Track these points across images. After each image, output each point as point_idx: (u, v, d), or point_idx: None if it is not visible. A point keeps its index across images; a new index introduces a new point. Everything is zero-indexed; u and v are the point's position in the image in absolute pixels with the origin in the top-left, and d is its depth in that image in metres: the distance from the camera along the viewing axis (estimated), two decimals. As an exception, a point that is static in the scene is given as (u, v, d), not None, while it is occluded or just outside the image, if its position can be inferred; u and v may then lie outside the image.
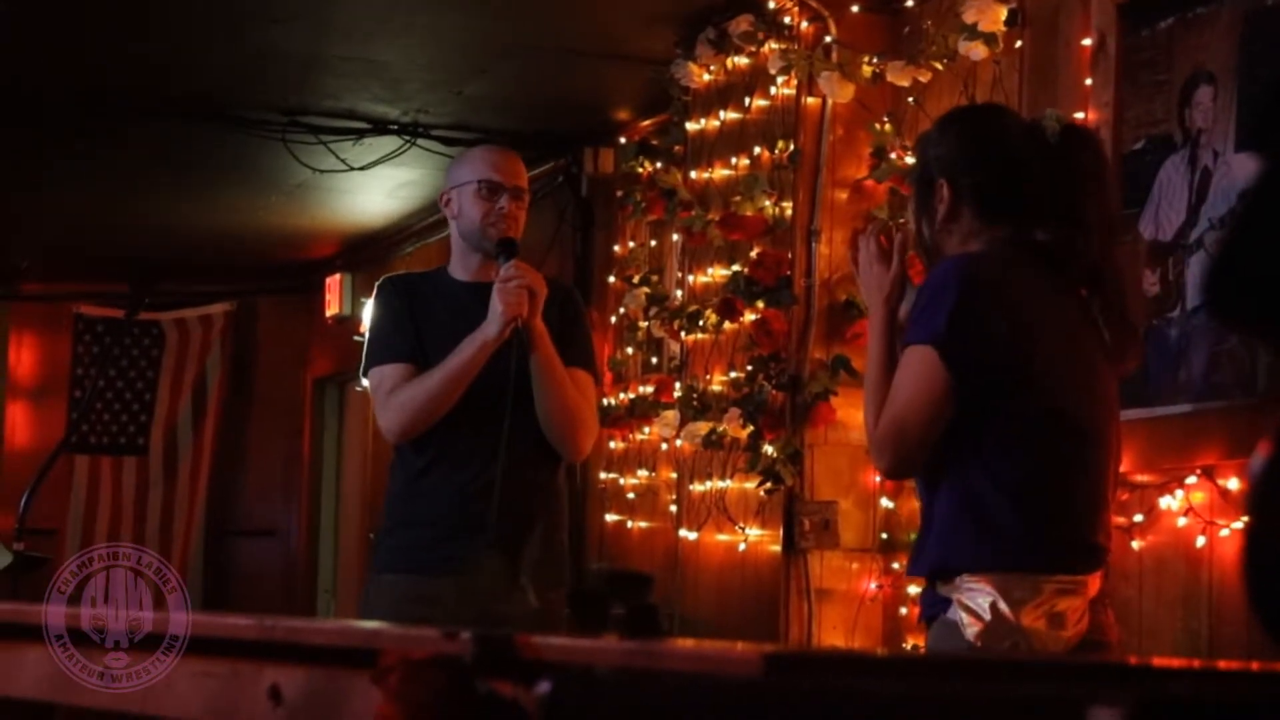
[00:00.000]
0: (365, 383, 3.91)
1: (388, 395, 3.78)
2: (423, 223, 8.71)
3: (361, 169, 7.43)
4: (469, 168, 3.91)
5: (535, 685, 1.53)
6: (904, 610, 5.06)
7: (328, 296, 9.73)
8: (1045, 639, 2.72)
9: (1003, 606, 2.72)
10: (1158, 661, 1.67)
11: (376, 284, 4.00)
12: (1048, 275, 2.93)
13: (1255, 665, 1.60)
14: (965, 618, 2.74)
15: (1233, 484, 3.85)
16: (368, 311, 9.00)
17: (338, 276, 9.64)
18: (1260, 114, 1.14)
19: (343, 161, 7.31)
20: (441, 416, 3.74)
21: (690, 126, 5.96)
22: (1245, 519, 1.07)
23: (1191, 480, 3.98)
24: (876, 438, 2.88)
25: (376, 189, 8.06)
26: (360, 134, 7.05)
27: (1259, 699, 1.22)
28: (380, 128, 7.08)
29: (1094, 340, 2.95)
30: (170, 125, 7.06)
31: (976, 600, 2.74)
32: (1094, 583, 2.83)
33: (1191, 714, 1.13)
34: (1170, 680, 1.48)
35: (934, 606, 2.84)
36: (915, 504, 4.98)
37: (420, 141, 7.18)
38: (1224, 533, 3.89)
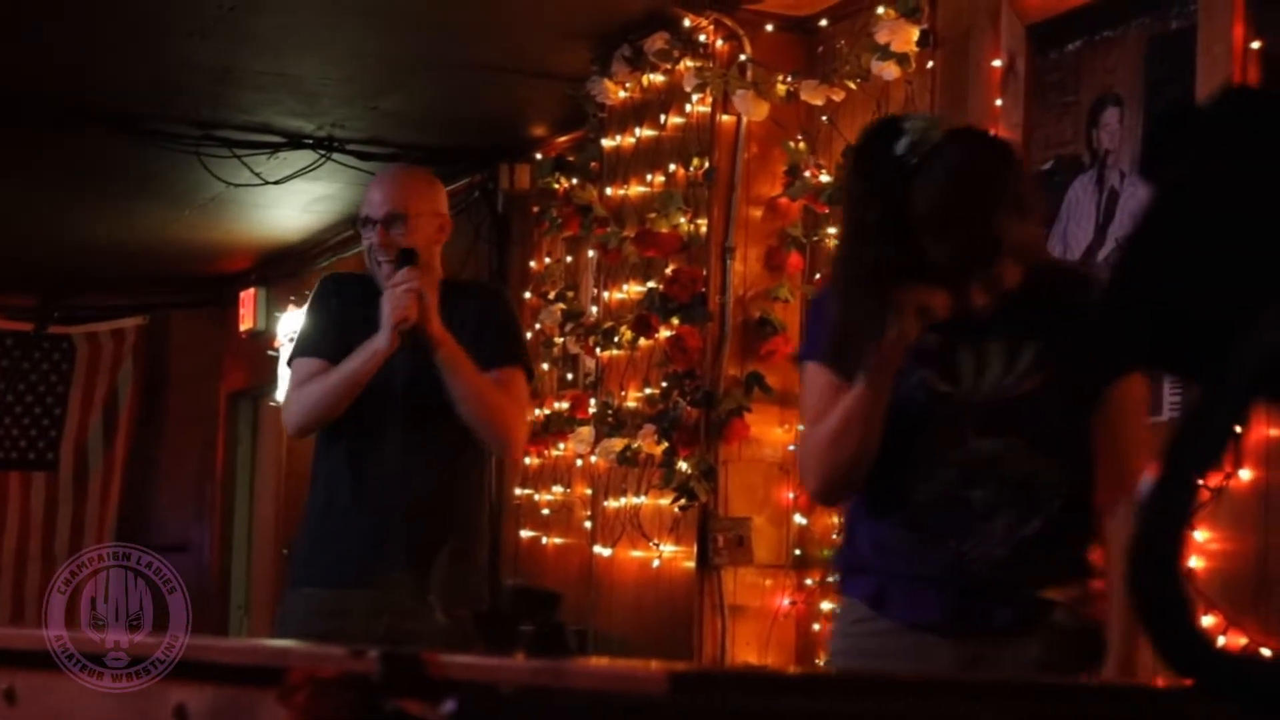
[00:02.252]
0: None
1: (295, 388, 3.84)
2: (337, 237, 8.68)
3: (276, 183, 7.40)
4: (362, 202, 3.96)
5: (442, 703, 1.53)
6: (816, 626, 5.09)
7: (242, 311, 9.67)
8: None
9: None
10: (1053, 681, 1.69)
11: (320, 279, 4.05)
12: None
13: (1159, 681, 1.62)
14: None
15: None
16: (282, 324, 8.98)
17: (252, 291, 9.59)
18: (1150, 142, 1.16)
19: (257, 175, 7.27)
20: (332, 418, 3.76)
21: (606, 143, 5.98)
22: (1133, 540, 1.09)
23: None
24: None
25: (291, 203, 8.02)
26: (275, 148, 7.02)
27: (1160, 717, 1.24)
28: (295, 142, 7.05)
29: None
30: (83, 137, 7.00)
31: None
32: None
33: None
34: (1065, 699, 1.50)
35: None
36: (829, 520, 5.03)
37: (335, 156, 7.16)
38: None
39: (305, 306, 4.04)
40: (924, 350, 2.69)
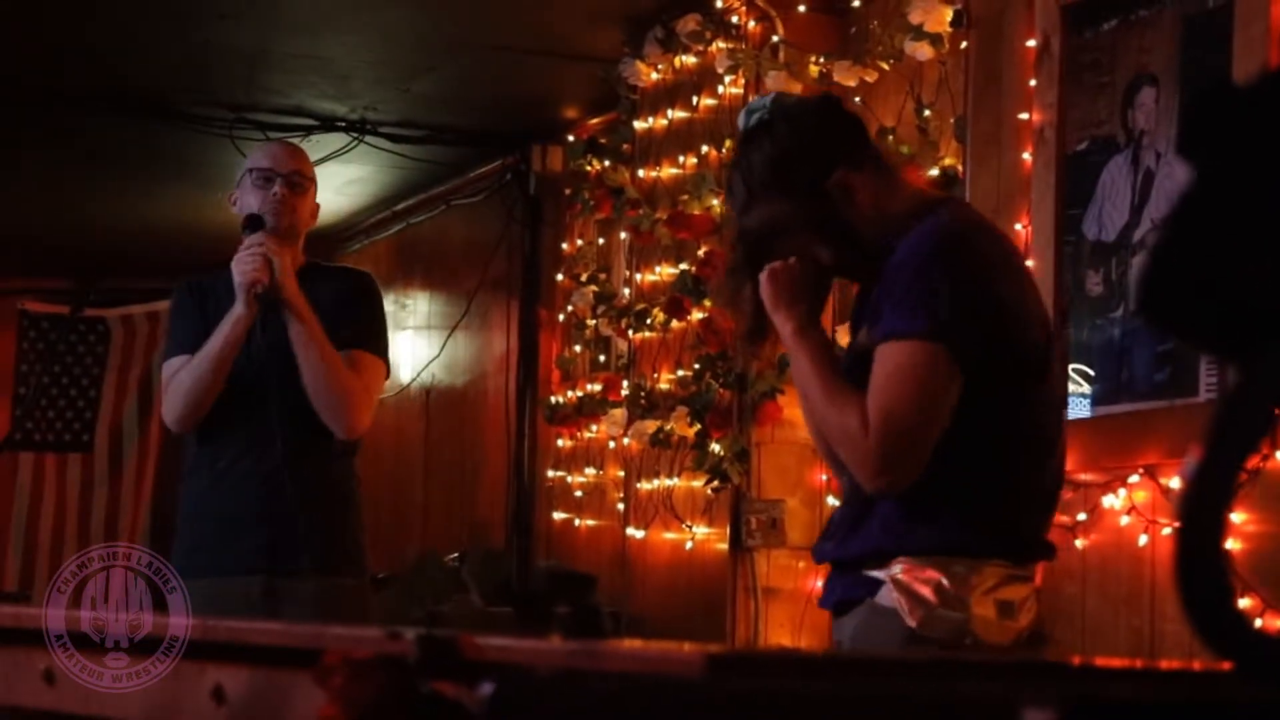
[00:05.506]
0: None
1: (165, 385, 3.82)
2: (370, 219, 8.69)
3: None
4: (247, 161, 3.94)
5: (478, 686, 1.54)
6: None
7: (274, 293, 9.68)
8: (995, 628, 2.56)
9: (949, 589, 2.55)
10: (1099, 661, 1.68)
11: (176, 287, 4.04)
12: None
13: (1196, 665, 1.62)
14: (904, 603, 2.57)
15: (1174, 483, 3.89)
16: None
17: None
18: (1189, 121, 1.15)
19: (290, 158, 7.27)
20: (210, 401, 3.73)
21: (638, 125, 5.97)
22: (1176, 523, 1.09)
23: (1134, 479, 4.02)
24: (880, 452, 2.57)
25: (324, 186, 7.94)
26: (308, 131, 7.03)
27: (1198, 700, 1.23)
28: (328, 125, 7.06)
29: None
30: (117, 120, 7.02)
31: (917, 584, 2.57)
32: (1039, 574, 2.74)
33: (1126, 714, 1.14)
34: (1108, 680, 1.50)
35: (855, 589, 2.65)
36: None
37: (368, 139, 7.16)
38: (1166, 531, 3.92)
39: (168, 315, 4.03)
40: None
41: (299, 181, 3.84)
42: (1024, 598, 2.62)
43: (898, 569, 2.60)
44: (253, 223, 3.77)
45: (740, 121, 2.79)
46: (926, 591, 2.58)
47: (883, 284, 2.63)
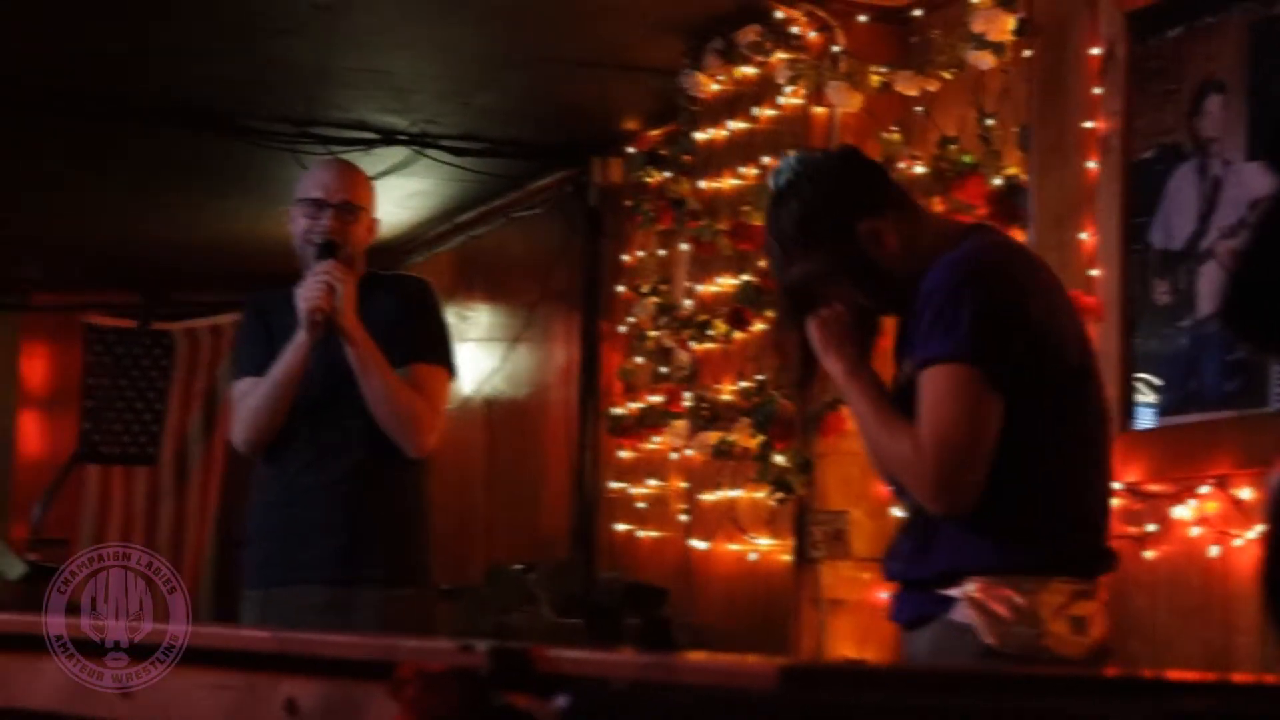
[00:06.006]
0: None
1: (235, 407, 3.88)
2: (432, 232, 8.72)
3: (370, 179, 7.44)
4: (299, 187, 3.97)
5: (551, 698, 1.54)
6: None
7: (337, 306, 9.72)
8: (1069, 644, 2.65)
9: (1024, 605, 2.64)
10: (1172, 674, 1.67)
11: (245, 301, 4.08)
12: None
13: (1270, 678, 1.60)
14: (980, 620, 2.65)
15: (1245, 494, 3.85)
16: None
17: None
18: (1274, 130, 1.14)
19: (352, 172, 7.31)
20: (277, 425, 3.78)
21: (699, 136, 5.97)
22: (1264, 530, 1.07)
23: (1204, 490, 3.98)
24: (936, 474, 2.66)
25: (385, 199, 8.02)
26: (369, 144, 7.06)
27: (1273, 713, 1.22)
28: (389, 138, 7.09)
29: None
30: (181, 136, 7.07)
31: (992, 601, 2.65)
32: (1104, 587, 2.79)
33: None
34: (1185, 694, 1.48)
35: (928, 606, 2.73)
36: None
37: (429, 152, 7.19)
38: (1237, 543, 3.88)
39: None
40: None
41: (349, 210, 3.86)
42: (1093, 612, 2.70)
43: (971, 587, 2.68)
44: (327, 249, 3.81)
45: (770, 183, 2.93)
46: (1002, 609, 2.66)
47: (915, 314, 2.73)
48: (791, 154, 3.02)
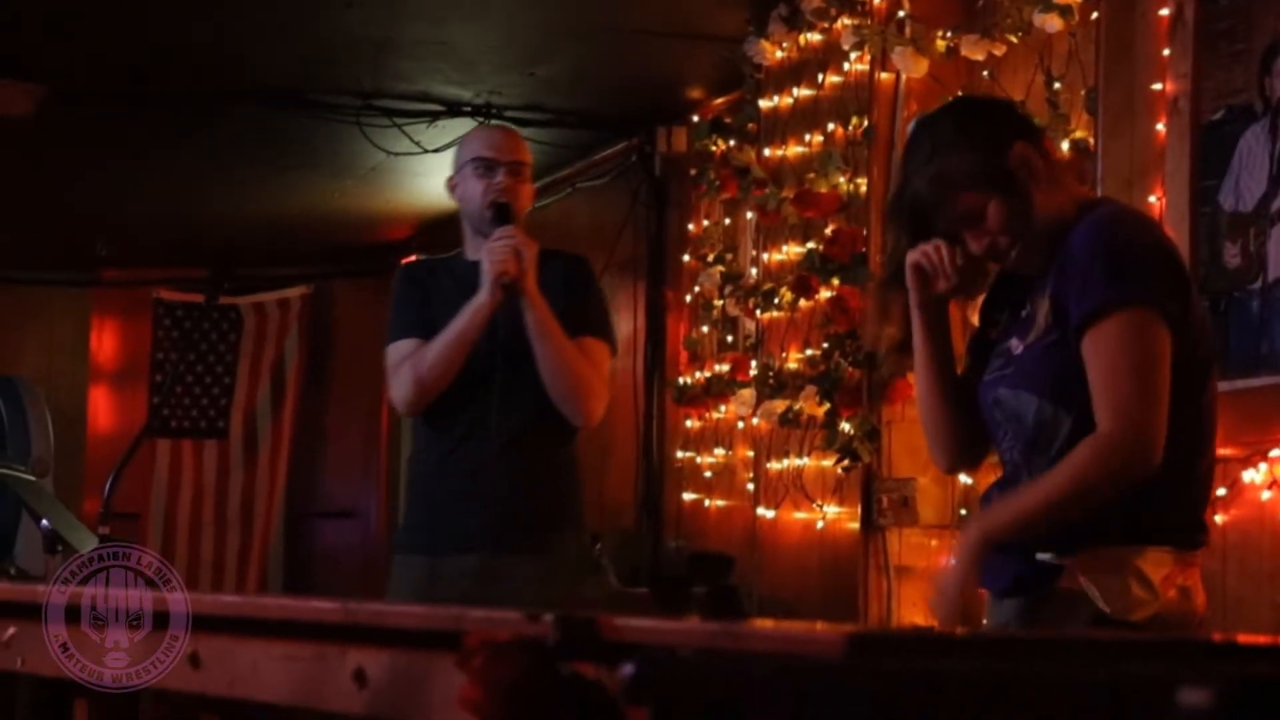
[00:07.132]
0: None
1: (395, 368, 3.85)
2: (497, 204, 8.73)
3: (435, 151, 7.45)
4: (466, 149, 3.97)
5: (618, 666, 1.54)
6: (984, 587, 5.04)
7: (403, 279, 9.76)
8: (1179, 612, 2.60)
9: (1141, 574, 2.58)
10: (1243, 639, 1.65)
11: (398, 269, 4.07)
12: None
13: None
14: (1094, 589, 2.58)
15: (1318, 457, 3.81)
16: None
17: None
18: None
19: (416, 144, 7.33)
20: (445, 384, 3.77)
21: (763, 104, 5.95)
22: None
23: (1275, 453, 3.94)
24: (1129, 441, 2.56)
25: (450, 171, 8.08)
26: (434, 116, 7.08)
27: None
28: (454, 110, 7.10)
29: None
30: (246, 110, 7.11)
31: (1106, 571, 2.59)
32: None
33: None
34: (1256, 658, 1.47)
35: (1029, 574, 2.65)
36: (993, 480, 4.96)
37: (494, 123, 7.19)
38: (1310, 506, 3.85)
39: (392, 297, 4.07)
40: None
41: (520, 169, 3.88)
42: (1196, 582, 2.67)
43: (1085, 555, 2.62)
44: (501, 213, 3.81)
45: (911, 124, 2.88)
46: (1117, 577, 2.60)
47: (1062, 271, 2.64)
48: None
